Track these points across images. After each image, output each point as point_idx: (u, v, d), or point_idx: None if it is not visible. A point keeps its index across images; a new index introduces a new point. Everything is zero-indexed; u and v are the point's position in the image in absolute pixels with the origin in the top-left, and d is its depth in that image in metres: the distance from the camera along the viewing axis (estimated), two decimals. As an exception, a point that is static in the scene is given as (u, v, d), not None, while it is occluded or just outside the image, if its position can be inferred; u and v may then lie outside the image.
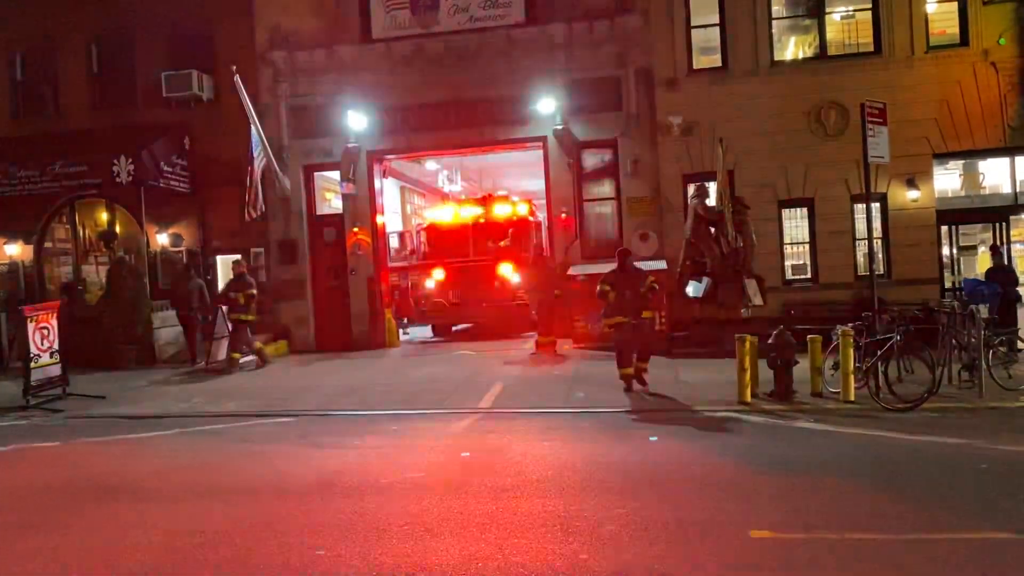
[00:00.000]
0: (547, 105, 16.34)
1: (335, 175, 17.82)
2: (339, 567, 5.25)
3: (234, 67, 15.50)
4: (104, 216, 18.49)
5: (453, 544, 5.61)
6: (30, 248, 18.53)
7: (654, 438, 8.68)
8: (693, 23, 16.38)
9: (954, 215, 16.02)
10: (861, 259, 15.55)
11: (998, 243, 15.18)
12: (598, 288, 11.43)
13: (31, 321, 12.31)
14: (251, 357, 15.94)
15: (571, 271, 16.26)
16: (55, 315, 12.77)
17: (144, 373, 15.10)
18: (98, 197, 17.92)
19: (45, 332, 12.52)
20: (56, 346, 12.65)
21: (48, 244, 18.86)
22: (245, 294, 14.99)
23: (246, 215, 16.41)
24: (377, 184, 18.08)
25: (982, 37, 15.36)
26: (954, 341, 10.79)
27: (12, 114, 18.77)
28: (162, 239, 18.05)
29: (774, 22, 16.24)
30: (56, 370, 12.65)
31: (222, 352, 15.64)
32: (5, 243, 18.47)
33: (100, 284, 17.97)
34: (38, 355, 12.33)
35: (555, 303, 15.45)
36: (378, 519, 6.21)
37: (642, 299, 11.33)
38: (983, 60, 15.34)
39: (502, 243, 17.26)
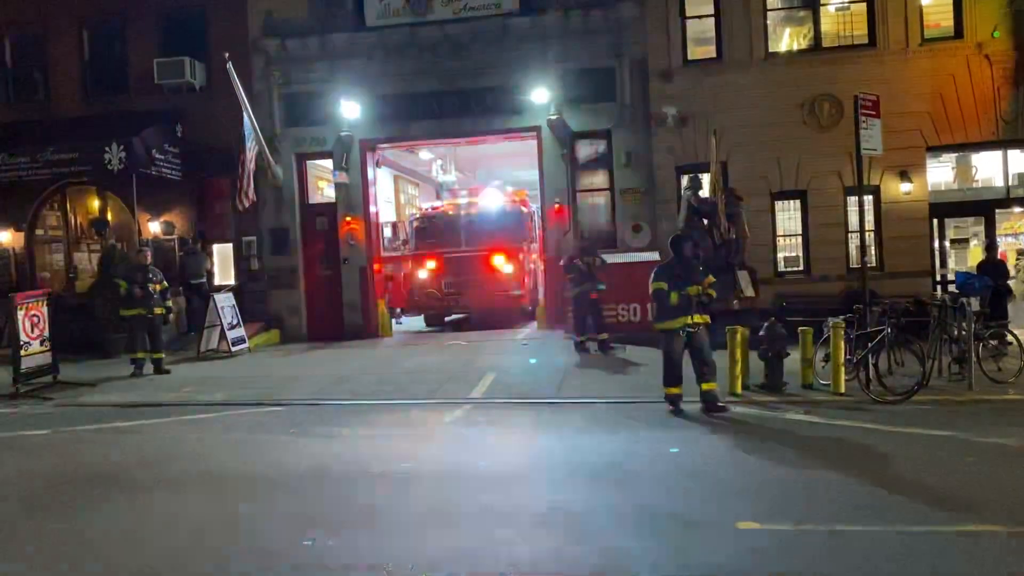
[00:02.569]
0: (541, 95, 16.28)
1: (328, 164, 17.77)
2: (329, 557, 5.24)
3: (226, 54, 15.37)
4: (96, 204, 18.40)
5: (443, 534, 5.61)
6: (21, 235, 18.44)
7: (644, 430, 8.71)
8: (688, 14, 16.32)
9: (946, 208, 16.05)
10: (853, 251, 15.57)
11: (991, 236, 15.25)
12: (653, 286, 9.44)
13: (21, 308, 12.27)
14: (245, 345, 15.94)
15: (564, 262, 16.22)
16: (46, 303, 12.74)
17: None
18: (89, 184, 17.84)
19: (35, 320, 12.48)
20: (47, 334, 12.61)
21: (39, 231, 18.78)
22: (163, 286, 14.07)
23: (238, 203, 16.40)
24: (370, 173, 18.02)
25: (976, 30, 15.35)
26: (944, 334, 10.82)
27: (2, 100, 18.64)
28: (154, 227, 17.97)
29: (769, 13, 16.19)
30: (46, 358, 12.61)
31: (213, 341, 15.63)
32: (-5, 229, 18.40)
33: (92, 272, 17.91)
34: (28, 343, 12.30)
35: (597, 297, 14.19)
36: (368, 509, 6.21)
37: (701, 300, 9.45)
38: (977, 53, 15.34)
39: None
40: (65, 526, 6.15)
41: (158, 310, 13.89)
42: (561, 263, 14.75)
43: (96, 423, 10.13)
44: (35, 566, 5.37)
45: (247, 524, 6.01)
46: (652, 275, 9.57)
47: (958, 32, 15.50)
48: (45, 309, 12.65)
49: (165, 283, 14.24)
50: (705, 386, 9.34)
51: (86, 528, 6.09)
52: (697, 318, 9.38)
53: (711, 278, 9.63)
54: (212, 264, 18.00)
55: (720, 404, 9.28)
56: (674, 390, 9.49)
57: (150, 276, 13.92)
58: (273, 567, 5.11)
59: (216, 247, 18.15)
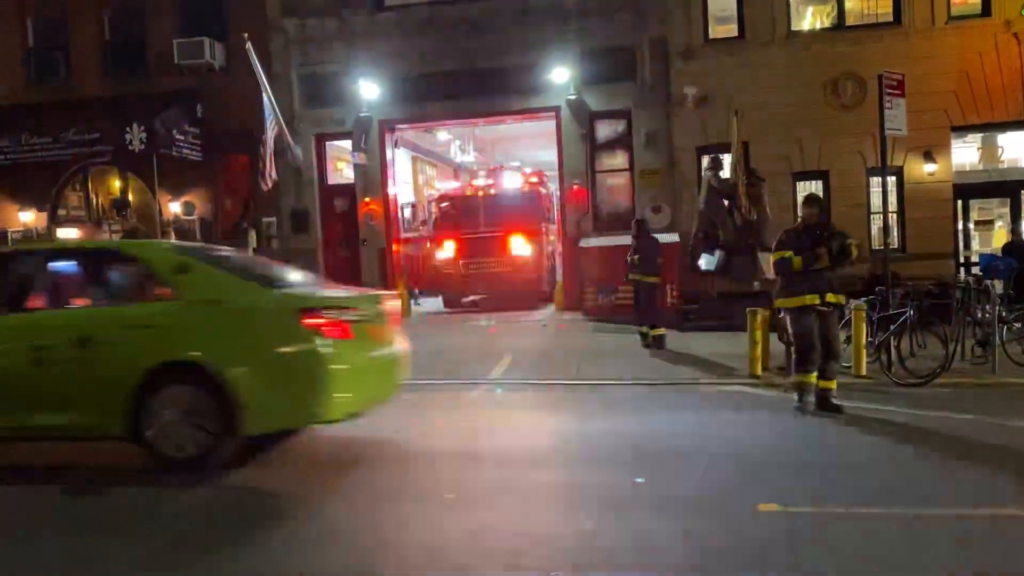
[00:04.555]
0: (560, 75, 16.19)
1: (347, 144, 17.78)
2: (350, 535, 5.28)
3: (245, 35, 15.42)
4: (117, 184, 18.55)
5: (462, 513, 5.63)
6: (44, 215, 18.62)
7: (662, 412, 8.70)
8: (709, -8, 16.17)
9: (971, 189, 15.84)
10: (876, 233, 15.40)
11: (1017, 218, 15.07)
12: (775, 257, 8.26)
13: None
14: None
15: (582, 243, 16.22)
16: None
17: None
18: (111, 165, 17.98)
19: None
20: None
21: (62, 211, 18.95)
22: None
23: (261, 185, 16.48)
24: (389, 154, 18.04)
25: (1004, 7, 15.09)
26: (968, 316, 10.71)
27: (25, 81, 18.77)
28: (175, 207, 18.09)
29: (792, -9, 16.01)
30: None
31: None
32: (19, 210, 18.56)
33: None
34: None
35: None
36: (387, 488, 6.24)
37: (831, 273, 8.09)
38: (1005, 30, 15.08)
39: None
40: (80, 504, 6.23)
41: None
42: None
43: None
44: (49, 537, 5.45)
45: (267, 502, 6.06)
46: (776, 243, 8.35)
47: (985, 9, 15.25)
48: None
49: None
50: (822, 383, 8.09)
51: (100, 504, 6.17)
52: (830, 297, 8.06)
53: (852, 239, 8.18)
54: (255, 243, 18.13)
55: (836, 402, 8.05)
56: (807, 378, 8.08)
57: None
58: (293, 543, 5.15)
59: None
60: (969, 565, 4.60)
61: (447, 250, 18.62)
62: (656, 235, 13.23)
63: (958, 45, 15.21)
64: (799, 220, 8.54)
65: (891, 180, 14.32)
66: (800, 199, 8.55)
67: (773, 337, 10.41)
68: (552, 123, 17.25)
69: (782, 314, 10.07)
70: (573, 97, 16.39)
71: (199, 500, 5.97)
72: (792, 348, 8.61)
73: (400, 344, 7.48)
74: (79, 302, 6.97)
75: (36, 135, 16.78)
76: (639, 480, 6.17)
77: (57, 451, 7.32)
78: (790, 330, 8.35)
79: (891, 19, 15.56)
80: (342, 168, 18.88)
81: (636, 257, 12.62)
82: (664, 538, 5.07)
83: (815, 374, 8.07)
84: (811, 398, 8.12)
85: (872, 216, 15.53)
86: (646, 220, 13.50)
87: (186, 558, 4.89)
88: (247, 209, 18.42)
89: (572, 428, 8.16)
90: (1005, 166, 16.06)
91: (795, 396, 8.22)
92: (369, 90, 16.83)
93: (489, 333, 14.96)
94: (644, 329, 12.63)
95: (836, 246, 7.99)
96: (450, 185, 21.35)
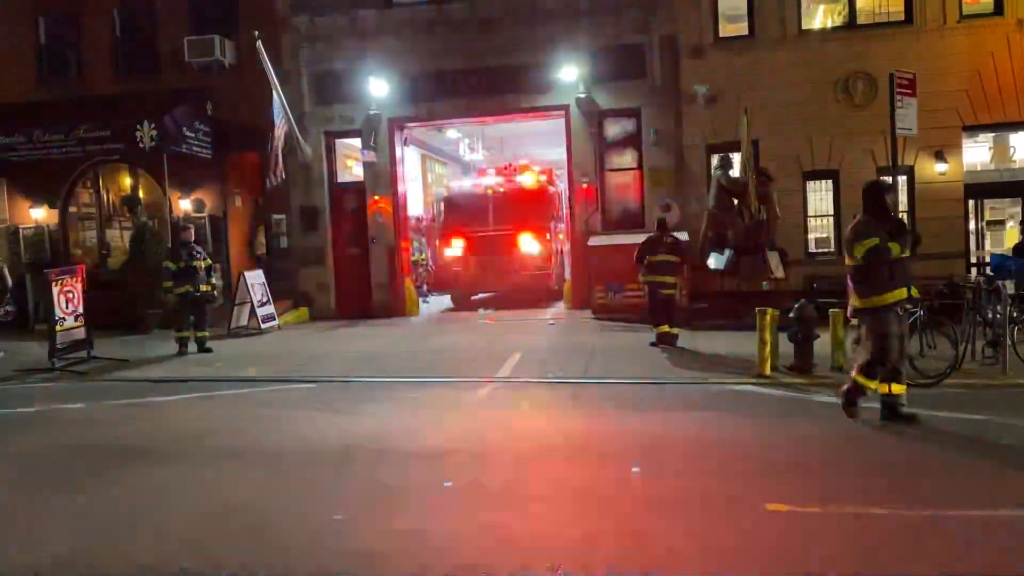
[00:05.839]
0: (570, 73, 16.17)
1: (357, 142, 17.79)
2: (357, 533, 5.30)
3: (256, 32, 15.44)
4: (127, 181, 18.59)
5: (471, 511, 5.65)
6: (55, 212, 18.69)
7: (672, 410, 8.69)
8: (719, -10, 16.11)
9: (982, 189, 15.75)
10: (886, 232, 15.34)
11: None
12: (866, 246, 7.22)
13: (56, 284, 12.46)
14: (275, 322, 16.09)
15: (591, 241, 16.20)
16: (79, 279, 12.93)
17: (167, 337, 15.21)
18: (121, 162, 18.01)
19: (70, 296, 12.67)
20: (80, 309, 12.81)
21: (73, 208, 19.01)
22: (207, 263, 13.74)
23: (268, 182, 16.55)
24: (398, 152, 18.03)
25: (1017, 5, 14.97)
26: (979, 317, 10.65)
27: (37, 79, 18.83)
28: (185, 205, 18.13)
29: (802, -11, 15.93)
30: (80, 333, 12.81)
31: (243, 318, 15.80)
32: (31, 207, 18.64)
33: (124, 249, 18.14)
34: (63, 318, 12.49)
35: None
36: (396, 486, 6.26)
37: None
38: (1017, 29, 14.97)
39: None
40: (94, 500, 6.26)
41: (204, 287, 13.64)
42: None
43: (129, 398, 10.28)
44: (63, 535, 5.47)
45: (278, 499, 6.08)
46: (854, 234, 7.42)
47: (998, 8, 15.14)
48: (79, 285, 12.84)
49: (208, 260, 14.02)
50: (895, 388, 7.53)
51: (115, 501, 6.20)
52: (914, 291, 7.48)
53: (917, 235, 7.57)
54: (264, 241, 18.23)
55: (908, 412, 7.54)
56: (871, 383, 7.53)
57: (195, 253, 13.67)
58: (302, 540, 5.17)
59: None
60: (979, 566, 4.58)
61: (456, 248, 18.64)
62: (675, 234, 13.20)
63: (970, 44, 15.11)
64: (860, 213, 7.57)
65: (902, 179, 14.26)
66: (862, 187, 7.39)
67: (783, 336, 10.40)
68: (561, 121, 17.22)
69: (793, 314, 10.08)
70: (582, 95, 16.37)
71: None
72: (864, 351, 7.60)
73: None
74: None
75: (47, 132, 16.80)
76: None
77: None
78: (872, 332, 7.45)
79: (902, 18, 15.46)
80: (351, 166, 18.90)
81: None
82: (671, 537, 5.08)
83: (878, 380, 7.50)
84: (861, 402, 7.71)
85: (882, 215, 15.44)
86: (664, 219, 13.44)
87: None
88: (258, 206, 18.51)
89: (580, 426, 8.17)
90: (1017, 166, 15.94)
91: (841, 398, 7.72)
92: (379, 88, 16.84)
93: (498, 331, 14.97)
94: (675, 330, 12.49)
95: (912, 235, 7.43)
96: (459, 183, 21.35)
